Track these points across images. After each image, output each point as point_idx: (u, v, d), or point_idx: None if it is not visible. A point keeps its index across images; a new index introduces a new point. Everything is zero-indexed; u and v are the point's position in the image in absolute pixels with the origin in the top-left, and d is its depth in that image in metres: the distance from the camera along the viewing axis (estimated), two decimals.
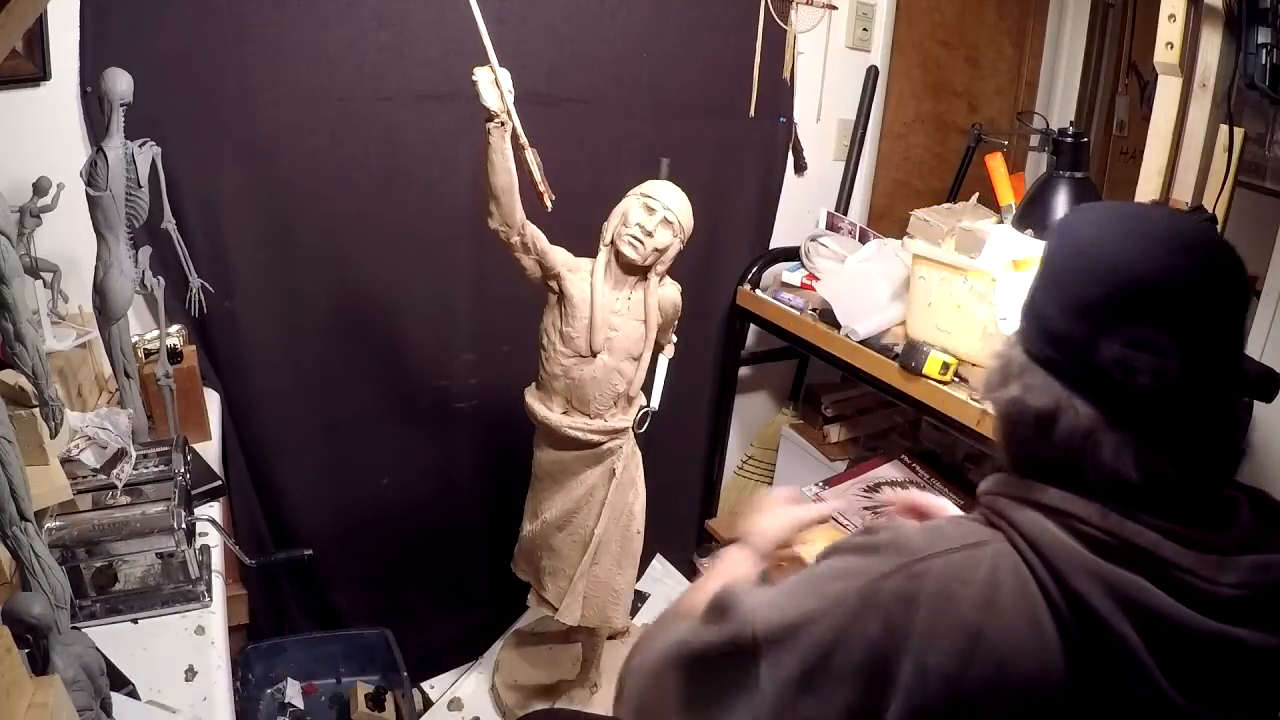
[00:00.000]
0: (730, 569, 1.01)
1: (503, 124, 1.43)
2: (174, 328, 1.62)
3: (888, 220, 2.49)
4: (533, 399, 1.74)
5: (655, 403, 1.80)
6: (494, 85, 1.40)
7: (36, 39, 1.50)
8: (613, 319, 1.64)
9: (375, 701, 1.87)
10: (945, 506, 1.14)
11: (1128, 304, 0.67)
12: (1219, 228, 1.52)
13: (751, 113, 2.25)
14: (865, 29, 2.39)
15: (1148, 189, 1.66)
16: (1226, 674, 0.65)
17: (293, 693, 1.93)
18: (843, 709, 0.69)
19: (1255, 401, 1.65)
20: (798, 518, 1.09)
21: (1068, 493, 0.70)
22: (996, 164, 1.96)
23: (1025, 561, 0.69)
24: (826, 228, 2.37)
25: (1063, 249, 0.74)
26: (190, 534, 1.24)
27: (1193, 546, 0.66)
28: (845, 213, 2.48)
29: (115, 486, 1.26)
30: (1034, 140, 2.43)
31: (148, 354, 1.57)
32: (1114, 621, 0.64)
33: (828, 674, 0.70)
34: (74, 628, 0.97)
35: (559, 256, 1.62)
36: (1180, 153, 1.60)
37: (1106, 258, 0.69)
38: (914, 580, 0.70)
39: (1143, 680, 0.64)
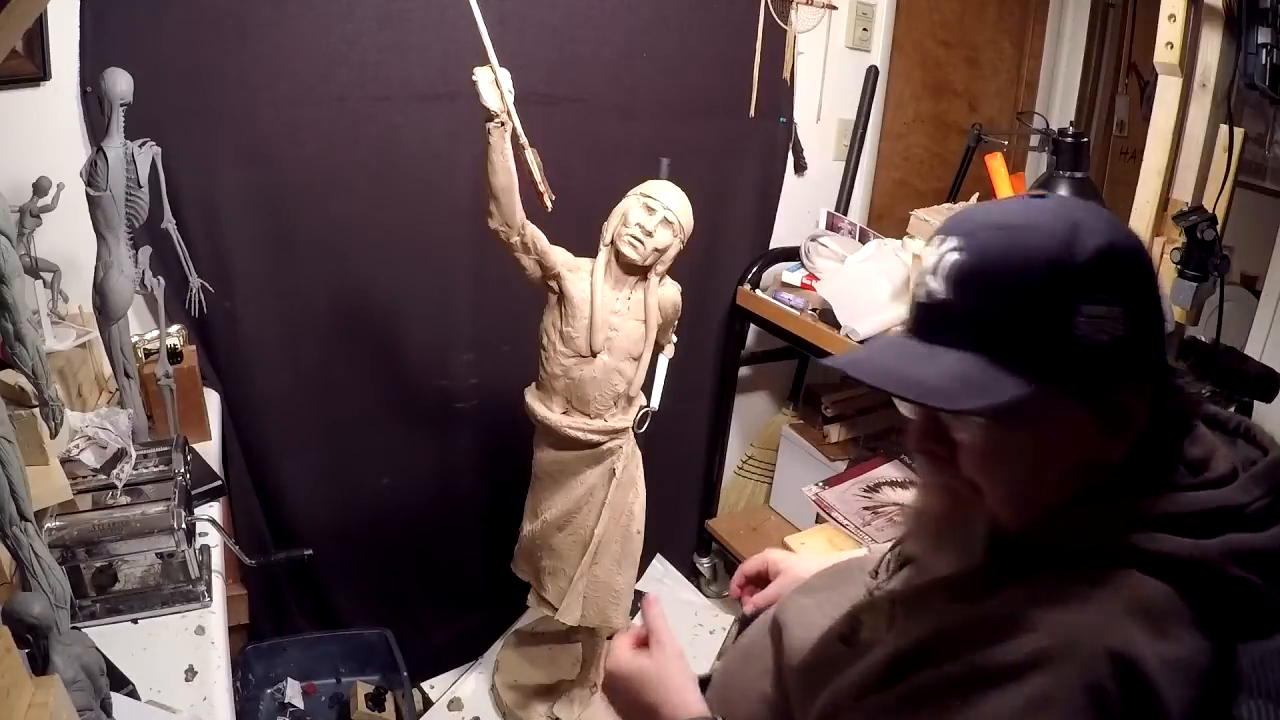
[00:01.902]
0: None
1: (503, 124, 1.43)
2: (174, 328, 1.62)
3: (888, 220, 2.49)
4: (533, 399, 1.74)
5: (655, 403, 1.80)
6: (494, 85, 1.40)
7: (36, 39, 1.50)
8: (613, 319, 1.64)
9: (375, 701, 1.87)
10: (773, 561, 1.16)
11: (1081, 283, 0.66)
12: (1219, 228, 1.52)
13: (751, 113, 2.25)
14: (865, 29, 2.39)
15: (1148, 189, 1.66)
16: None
17: (293, 693, 1.93)
18: None
19: (1255, 401, 1.65)
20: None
21: (1164, 496, 0.67)
22: (996, 164, 1.96)
23: (1173, 581, 0.65)
24: (826, 228, 2.37)
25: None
26: (190, 534, 1.24)
27: (1227, 483, 0.68)
28: (845, 213, 2.48)
29: (115, 486, 1.26)
30: (1034, 140, 2.43)
31: (148, 354, 1.57)
32: (1252, 579, 0.65)
33: None
34: (74, 628, 0.97)
35: (559, 256, 1.62)
36: (1180, 153, 1.60)
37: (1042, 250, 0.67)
38: (1127, 672, 0.61)
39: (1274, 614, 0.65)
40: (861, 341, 1.96)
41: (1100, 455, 0.69)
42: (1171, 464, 0.70)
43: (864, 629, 0.81)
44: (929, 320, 0.72)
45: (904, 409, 0.77)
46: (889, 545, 0.98)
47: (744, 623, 1.33)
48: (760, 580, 1.28)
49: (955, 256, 0.69)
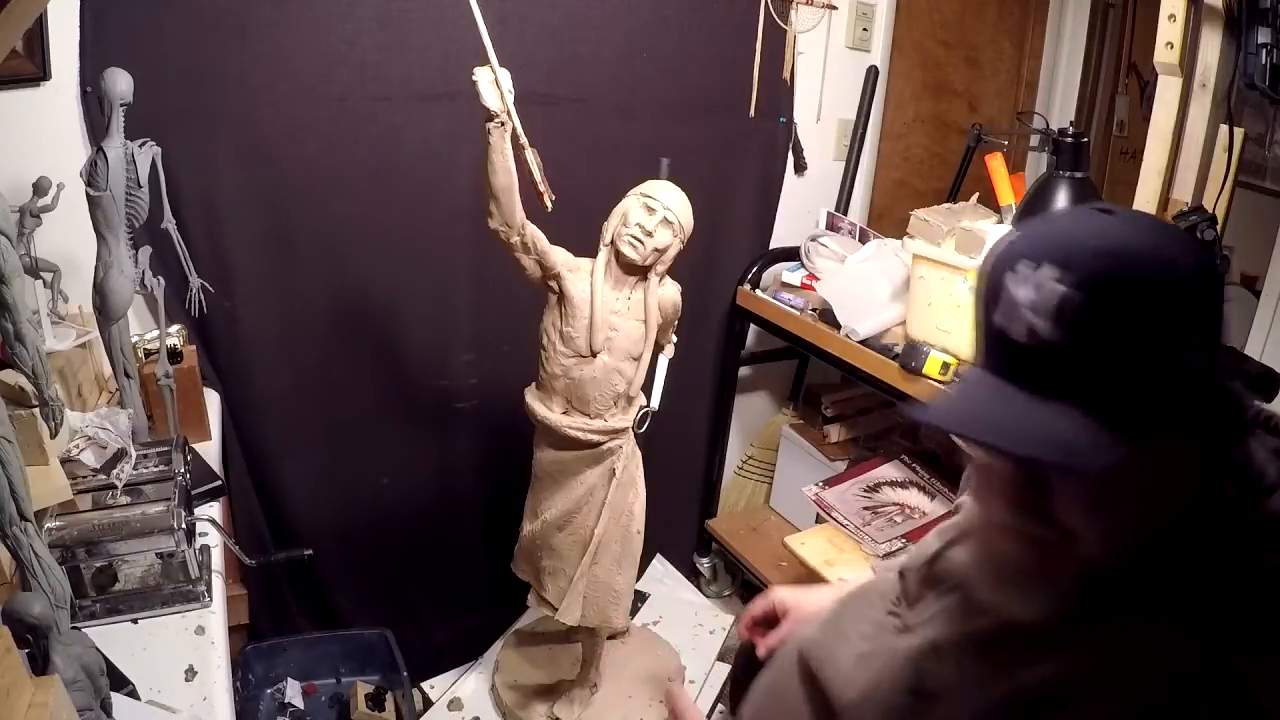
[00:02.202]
0: None
1: (503, 124, 1.43)
2: (174, 328, 1.62)
3: (888, 220, 2.49)
4: (533, 399, 1.74)
5: (655, 403, 1.80)
6: (494, 85, 1.40)
7: (36, 39, 1.50)
8: (613, 319, 1.64)
9: (375, 701, 1.87)
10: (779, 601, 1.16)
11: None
12: (1219, 228, 1.52)
13: (751, 113, 2.25)
14: (865, 29, 2.39)
15: (1148, 189, 1.66)
16: None
17: (293, 693, 1.93)
18: None
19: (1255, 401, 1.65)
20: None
21: None
22: (996, 164, 1.96)
23: None
24: (826, 228, 2.37)
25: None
26: (190, 534, 1.24)
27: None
28: (845, 213, 2.48)
29: (115, 486, 1.26)
30: (1034, 140, 2.43)
31: (148, 354, 1.57)
32: None
33: None
34: (74, 628, 0.97)
35: (559, 256, 1.62)
36: (1180, 153, 1.60)
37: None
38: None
39: None
40: (862, 342, 1.96)
41: (1205, 483, 0.65)
42: (1246, 475, 0.66)
43: (929, 678, 0.77)
44: (1029, 364, 0.63)
45: (975, 451, 0.70)
46: (896, 570, 0.97)
47: (745, 655, 1.33)
48: (769, 621, 1.28)
49: (1060, 289, 0.61)
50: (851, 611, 0.97)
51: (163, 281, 1.47)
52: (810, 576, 2.06)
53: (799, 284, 2.25)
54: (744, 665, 1.35)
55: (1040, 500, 0.66)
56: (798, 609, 1.23)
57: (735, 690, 1.42)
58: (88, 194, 1.29)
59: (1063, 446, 0.60)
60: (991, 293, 0.66)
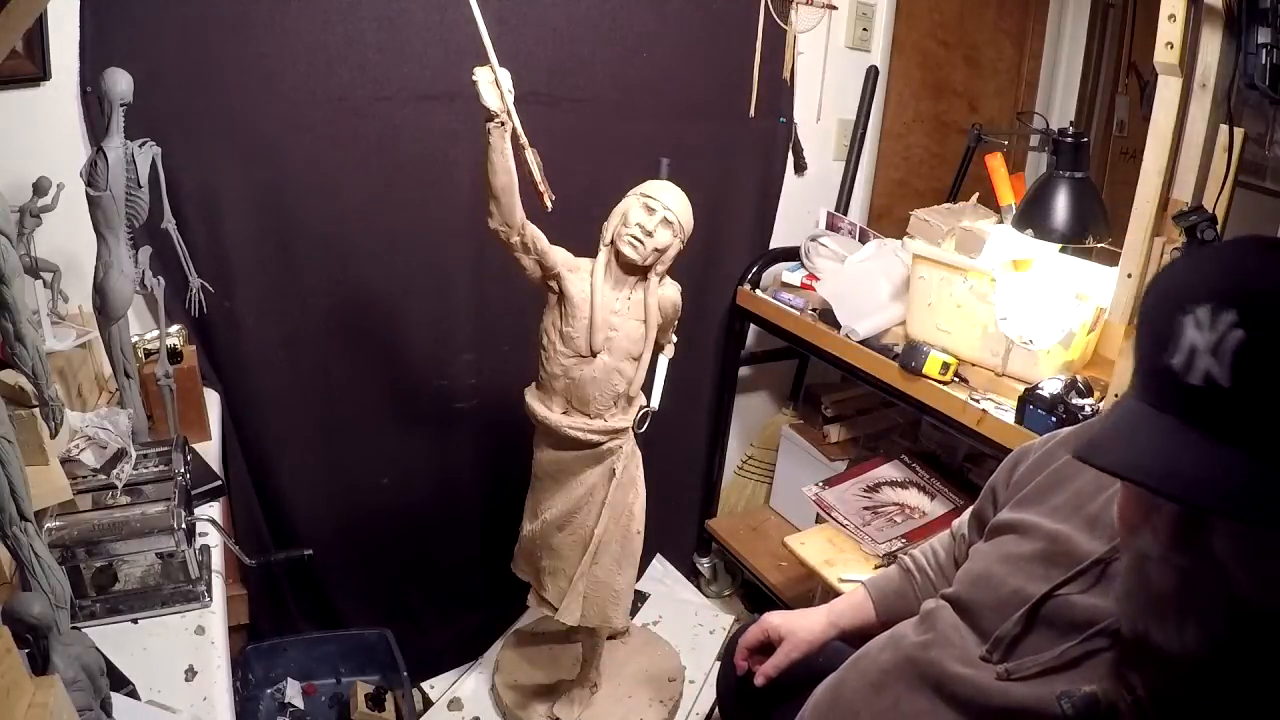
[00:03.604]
0: None
1: (503, 124, 1.43)
2: (174, 328, 1.62)
3: (888, 220, 2.50)
4: (533, 399, 1.74)
5: (655, 403, 1.80)
6: (494, 85, 1.40)
7: (36, 39, 1.50)
8: (613, 319, 1.64)
9: (375, 701, 1.87)
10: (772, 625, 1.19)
11: None
12: (1219, 228, 1.51)
13: (751, 113, 2.25)
14: (865, 29, 2.39)
15: (1148, 189, 1.66)
16: None
17: (293, 693, 1.93)
18: None
19: None
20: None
21: None
22: (996, 164, 1.96)
23: None
24: (826, 228, 2.37)
25: None
26: (190, 534, 1.24)
27: None
28: (845, 213, 2.48)
29: (115, 486, 1.26)
30: (1034, 140, 2.43)
31: (148, 354, 1.57)
32: None
33: None
34: (74, 628, 0.97)
35: (559, 256, 1.62)
36: (1180, 153, 1.60)
37: None
38: None
39: None
40: (862, 342, 1.96)
41: None
42: None
43: None
44: (1202, 407, 0.63)
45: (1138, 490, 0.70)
46: (941, 609, 0.96)
47: (728, 681, 1.32)
48: (764, 649, 1.27)
49: (1240, 335, 0.60)
50: (904, 676, 0.95)
51: (163, 281, 1.47)
52: (810, 576, 2.06)
53: (799, 284, 2.25)
54: (733, 693, 1.34)
55: (1200, 537, 0.67)
56: (793, 636, 1.23)
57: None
58: (88, 194, 1.29)
59: (1232, 495, 0.60)
60: (1162, 332, 0.65)
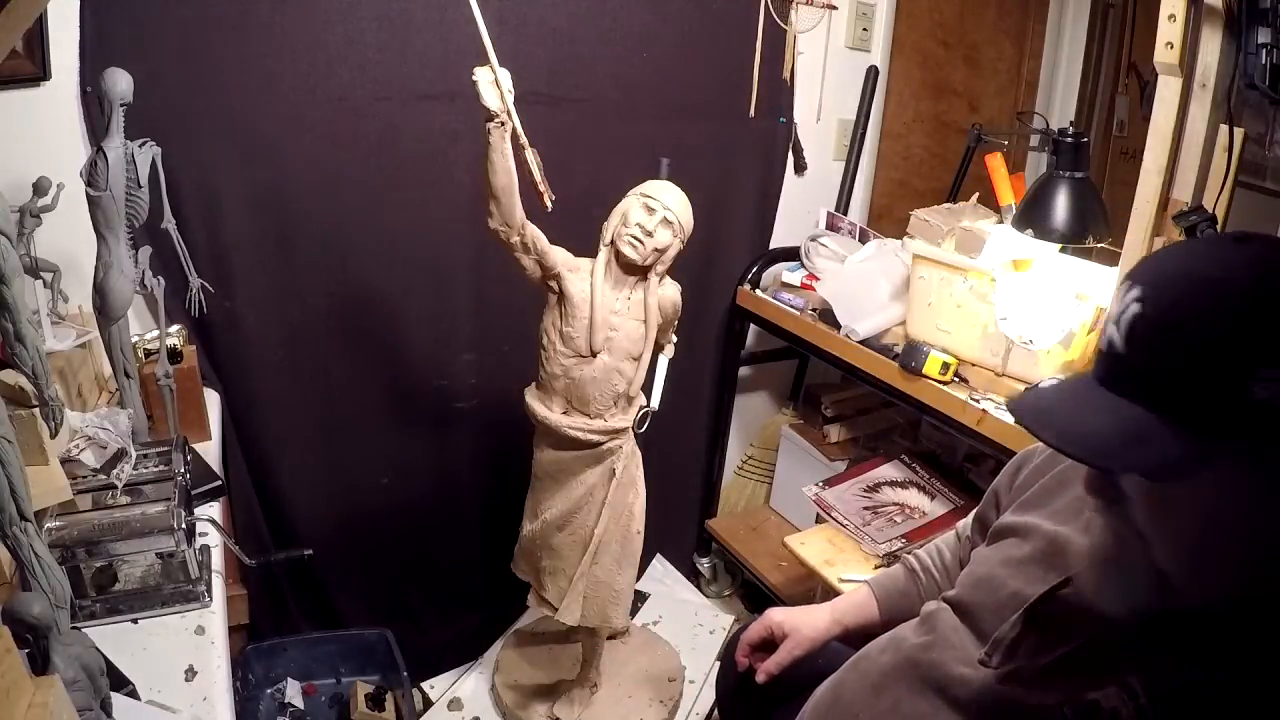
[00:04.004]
0: None
1: (503, 124, 1.43)
2: (174, 328, 1.62)
3: (888, 220, 2.50)
4: (533, 399, 1.74)
5: (655, 403, 1.80)
6: (494, 85, 1.40)
7: (36, 39, 1.50)
8: (613, 319, 1.64)
9: (375, 701, 1.87)
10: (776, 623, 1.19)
11: None
12: (1219, 228, 1.51)
13: (751, 113, 2.25)
14: (865, 29, 2.39)
15: (1147, 189, 1.66)
16: None
17: (293, 693, 1.93)
18: None
19: None
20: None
21: None
22: (996, 164, 1.96)
23: None
24: (826, 228, 2.37)
25: None
26: (190, 534, 1.24)
27: None
28: (845, 213, 2.48)
29: (115, 486, 1.26)
30: (1034, 140, 2.43)
31: (148, 354, 1.57)
32: None
33: None
34: (74, 628, 0.97)
35: (559, 256, 1.62)
36: (1180, 153, 1.60)
37: None
38: None
39: None
40: (862, 342, 1.96)
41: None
42: None
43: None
44: (1107, 369, 0.72)
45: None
46: (948, 612, 0.96)
47: (728, 680, 1.30)
48: (766, 646, 1.27)
49: (1136, 309, 0.68)
50: (905, 677, 0.95)
51: (163, 281, 1.47)
52: (810, 576, 2.06)
53: (799, 284, 2.25)
54: (733, 692, 1.34)
55: (1115, 493, 0.73)
56: (797, 632, 1.22)
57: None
58: (88, 194, 1.29)
59: (1100, 448, 0.67)
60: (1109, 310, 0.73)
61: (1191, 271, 0.68)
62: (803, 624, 1.24)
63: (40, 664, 0.85)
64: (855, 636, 1.22)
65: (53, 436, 1.06)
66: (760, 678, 1.22)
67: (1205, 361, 0.64)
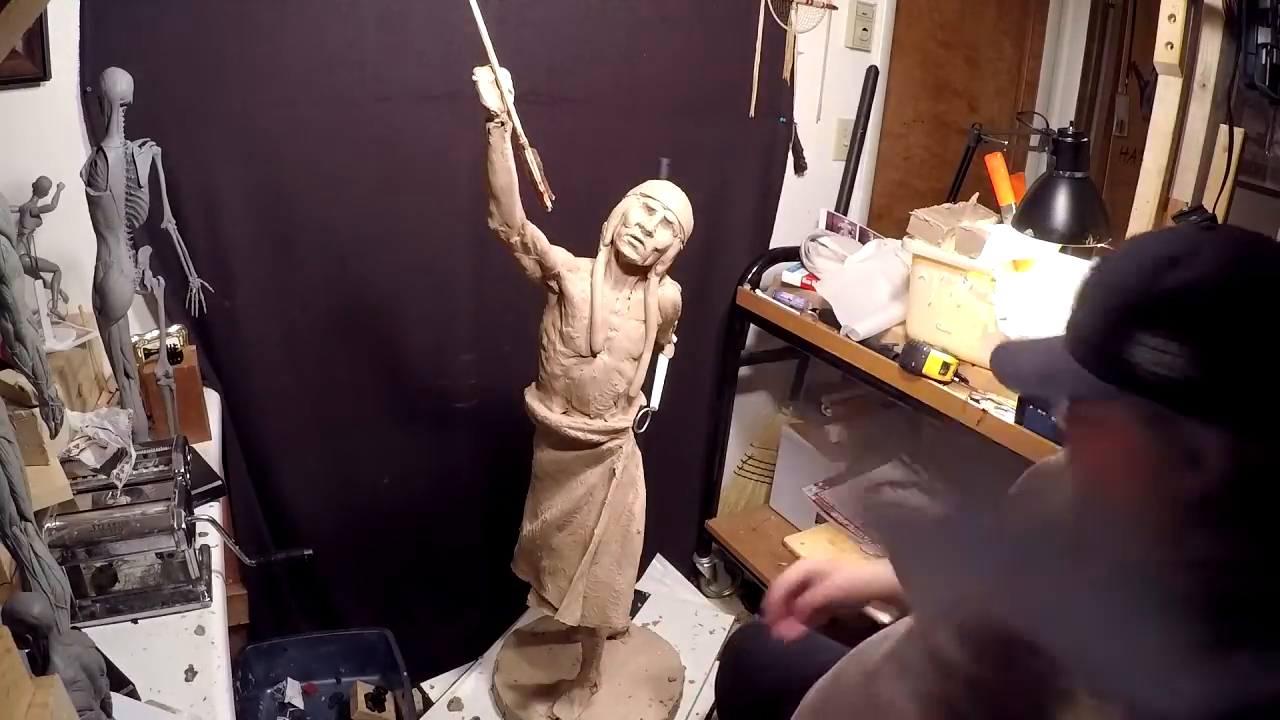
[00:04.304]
0: None
1: (503, 124, 1.43)
2: (174, 328, 1.62)
3: (888, 220, 2.49)
4: (533, 399, 1.74)
5: (655, 403, 1.80)
6: (494, 85, 1.40)
7: (36, 39, 1.50)
8: (613, 319, 1.64)
9: (375, 701, 1.87)
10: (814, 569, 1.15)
11: None
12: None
13: (751, 113, 2.25)
14: (865, 29, 2.39)
15: (1148, 189, 1.66)
16: None
17: (293, 693, 1.93)
18: None
19: None
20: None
21: None
22: (996, 164, 1.96)
23: None
24: (826, 228, 2.37)
25: (1248, 307, 0.66)
26: (190, 534, 1.24)
27: None
28: (845, 213, 2.48)
29: (115, 486, 1.26)
30: (1034, 140, 2.43)
31: (148, 354, 1.57)
32: None
33: None
34: (74, 628, 0.97)
35: (559, 256, 1.62)
36: (1180, 153, 1.60)
37: None
38: None
39: None
40: (862, 342, 1.96)
41: (1170, 491, 0.68)
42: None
43: None
44: (1065, 324, 0.79)
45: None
46: None
47: (734, 680, 1.27)
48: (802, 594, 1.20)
49: (1088, 274, 0.77)
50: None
51: (163, 281, 1.47)
52: None
53: (799, 284, 2.25)
54: (732, 690, 1.32)
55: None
56: (840, 571, 1.15)
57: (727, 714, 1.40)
58: (88, 194, 1.29)
59: (1024, 377, 0.80)
60: None
61: (1140, 242, 0.77)
62: (843, 566, 1.16)
63: (40, 664, 0.85)
64: (889, 600, 1.16)
65: (53, 436, 1.06)
66: (790, 632, 1.14)
67: (1103, 316, 0.71)
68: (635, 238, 1.58)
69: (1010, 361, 0.81)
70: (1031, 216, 1.74)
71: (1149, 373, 0.66)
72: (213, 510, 1.44)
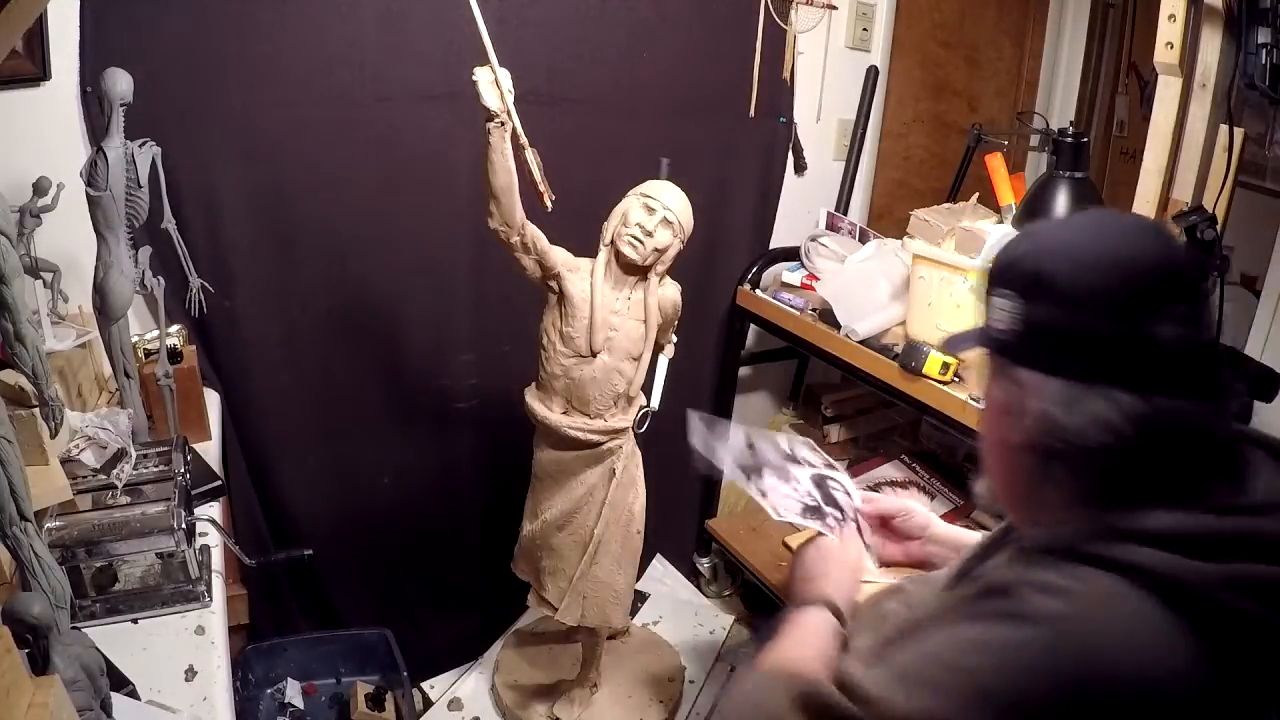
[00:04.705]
0: (811, 637, 0.97)
1: (503, 124, 1.43)
2: (174, 328, 1.62)
3: (888, 220, 2.49)
4: (533, 399, 1.74)
5: (655, 403, 1.80)
6: (494, 85, 1.40)
7: (36, 39, 1.50)
8: (613, 319, 1.64)
9: (375, 701, 1.87)
10: (910, 508, 1.23)
11: (1164, 289, 0.71)
12: (1219, 228, 1.52)
13: (751, 113, 2.25)
14: (865, 29, 2.39)
15: (1148, 189, 1.66)
16: None
17: (293, 693, 1.93)
18: None
19: (1255, 401, 1.65)
20: (857, 577, 1.09)
21: (1159, 512, 0.70)
22: (996, 164, 1.96)
23: (1157, 592, 0.68)
24: (826, 228, 2.37)
25: (1061, 270, 0.74)
26: (190, 534, 1.24)
27: (1268, 512, 0.69)
28: (845, 213, 2.48)
29: (115, 486, 1.26)
30: (1034, 140, 2.43)
31: (148, 354, 1.57)
32: (1258, 612, 0.66)
33: None
34: (74, 628, 0.97)
35: (559, 256, 1.62)
36: (1180, 153, 1.60)
37: (1116, 256, 0.73)
38: (1055, 647, 0.67)
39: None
40: (862, 342, 1.96)
41: (1006, 434, 0.78)
42: (1163, 481, 0.72)
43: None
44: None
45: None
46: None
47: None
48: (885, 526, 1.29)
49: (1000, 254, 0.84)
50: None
51: (163, 281, 1.47)
52: None
53: (799, 284, 2.25)
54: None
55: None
56: (932, 525, 1.24)
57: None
58: (88, 194, 1.29)
59: (957, 338, 0.85)
60: None
61: (1032, 227, 0.85)
62: (937, 523, 1.26)
63: (40, 664, 0.85)
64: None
65: (53, 436, 1.06)
66: (882, 550, 1.25)
67: (989, 278, 0.79)
68: (635, 238, 1.58)
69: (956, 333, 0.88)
70: (1031, 216, 1.74)
71: (992, 327, 0.78)
72: (213, 510, 1.44)
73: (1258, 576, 0.66)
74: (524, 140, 1.46)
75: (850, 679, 0.75)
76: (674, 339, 1.83)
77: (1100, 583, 0.69)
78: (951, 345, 0.87)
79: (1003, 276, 0.78)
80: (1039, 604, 0.69)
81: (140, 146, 1.33)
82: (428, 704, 2.12)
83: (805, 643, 0.96)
